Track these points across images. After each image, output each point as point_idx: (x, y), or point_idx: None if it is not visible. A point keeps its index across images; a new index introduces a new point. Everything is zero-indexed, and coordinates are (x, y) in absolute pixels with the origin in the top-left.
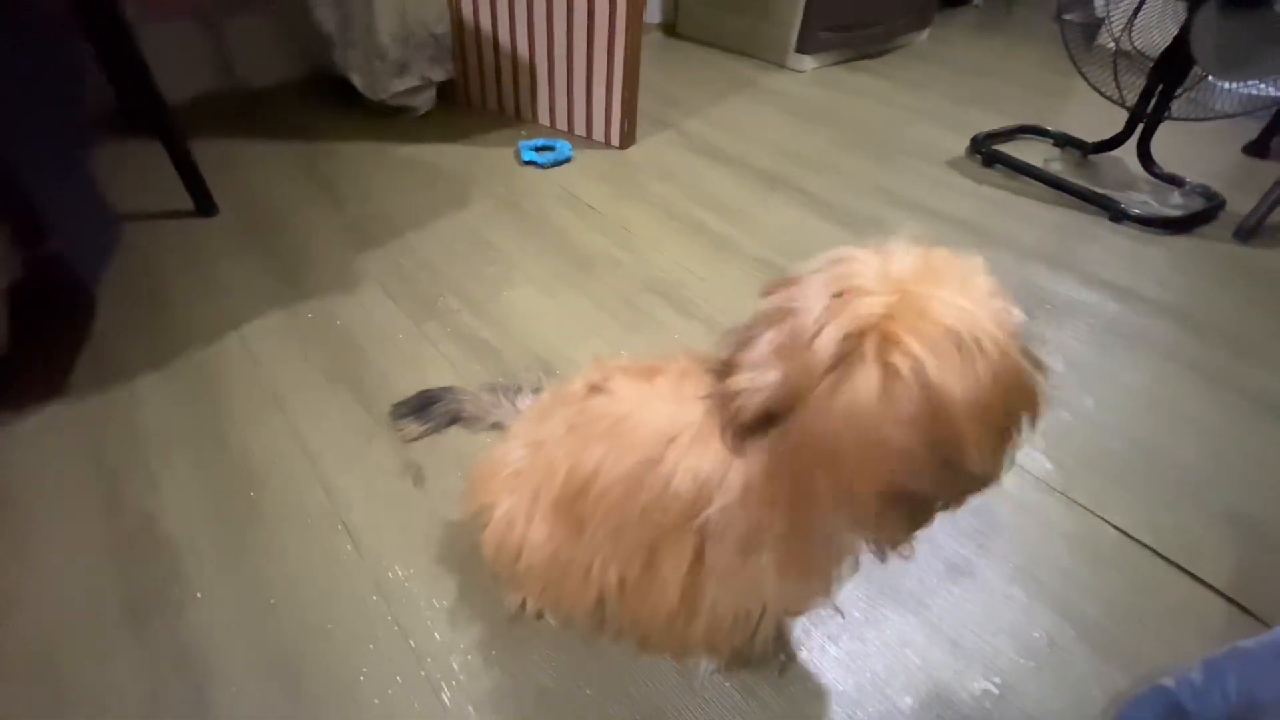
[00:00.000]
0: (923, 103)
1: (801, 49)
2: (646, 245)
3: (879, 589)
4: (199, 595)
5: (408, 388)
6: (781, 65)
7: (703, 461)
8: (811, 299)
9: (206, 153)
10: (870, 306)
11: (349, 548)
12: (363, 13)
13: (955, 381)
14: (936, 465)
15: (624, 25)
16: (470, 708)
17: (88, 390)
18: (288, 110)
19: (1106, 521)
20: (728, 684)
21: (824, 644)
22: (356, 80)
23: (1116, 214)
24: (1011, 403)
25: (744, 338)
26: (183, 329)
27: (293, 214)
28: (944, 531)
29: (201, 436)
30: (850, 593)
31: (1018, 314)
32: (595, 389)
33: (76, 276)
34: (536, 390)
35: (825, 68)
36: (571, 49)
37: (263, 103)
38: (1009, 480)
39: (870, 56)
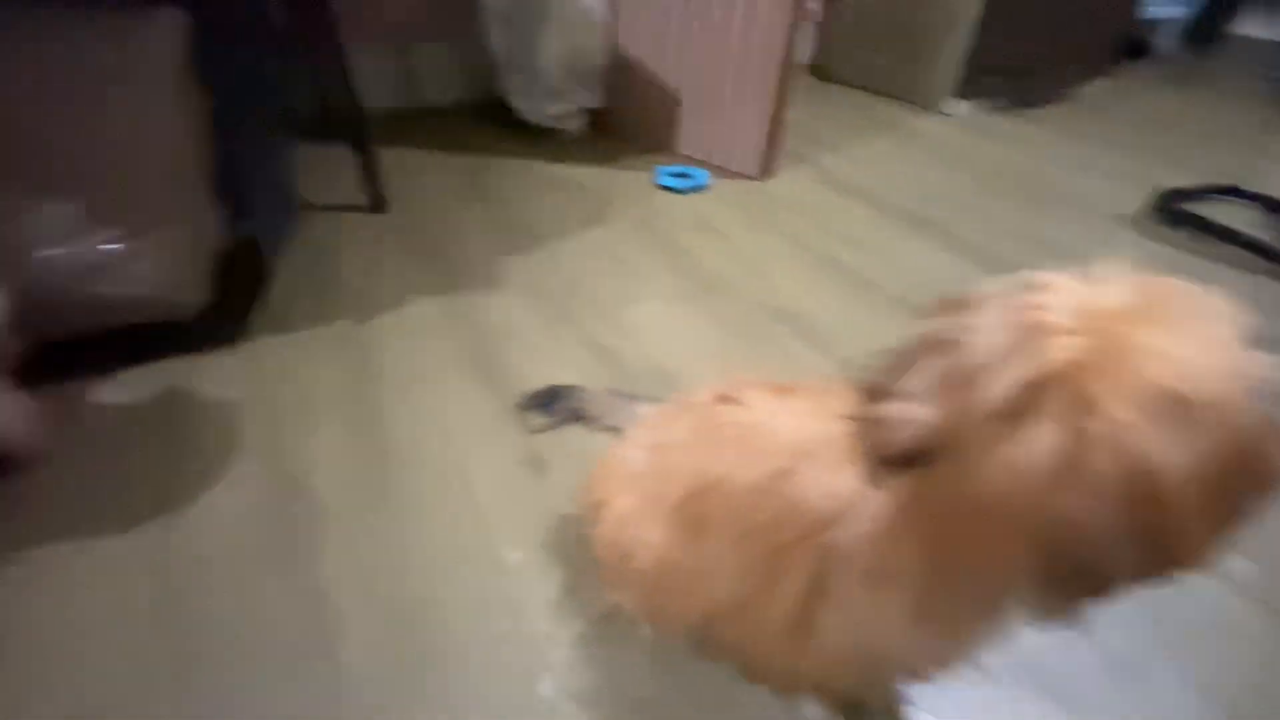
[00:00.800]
0: (1092, 154)
1: (957, 93)
2: (778, 275)
3: (1022, 664)
4: (334, 547)
5: (537, 383)
6: (933, 109)
7: (838, 480)
8: (988, 330)
9: (384, 158)
10: (1061, 350)
11: (472, 526)
12: (530, 42)
13: (1166, 457)
14: (1126, 544)
15: (778, 61)
16: (568, 703)
17: (259, 348)
18: (457, 126)
19: None
20: None
21: (950, 714)
22: (517, 102)
23: None
24: (1241, 482)
25: (902, 362)
26: (346, 305)
27: (452, 216)
28: (1108, 616)
29: (352, 401)
30: (989, 660)
31: (1268, 368)
32: (724, 399)
33: (261, 250)
34: (656, 400)
35: (982, 114)
36: (721, 82)
37: (437, 119)
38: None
39: (1033, 105)
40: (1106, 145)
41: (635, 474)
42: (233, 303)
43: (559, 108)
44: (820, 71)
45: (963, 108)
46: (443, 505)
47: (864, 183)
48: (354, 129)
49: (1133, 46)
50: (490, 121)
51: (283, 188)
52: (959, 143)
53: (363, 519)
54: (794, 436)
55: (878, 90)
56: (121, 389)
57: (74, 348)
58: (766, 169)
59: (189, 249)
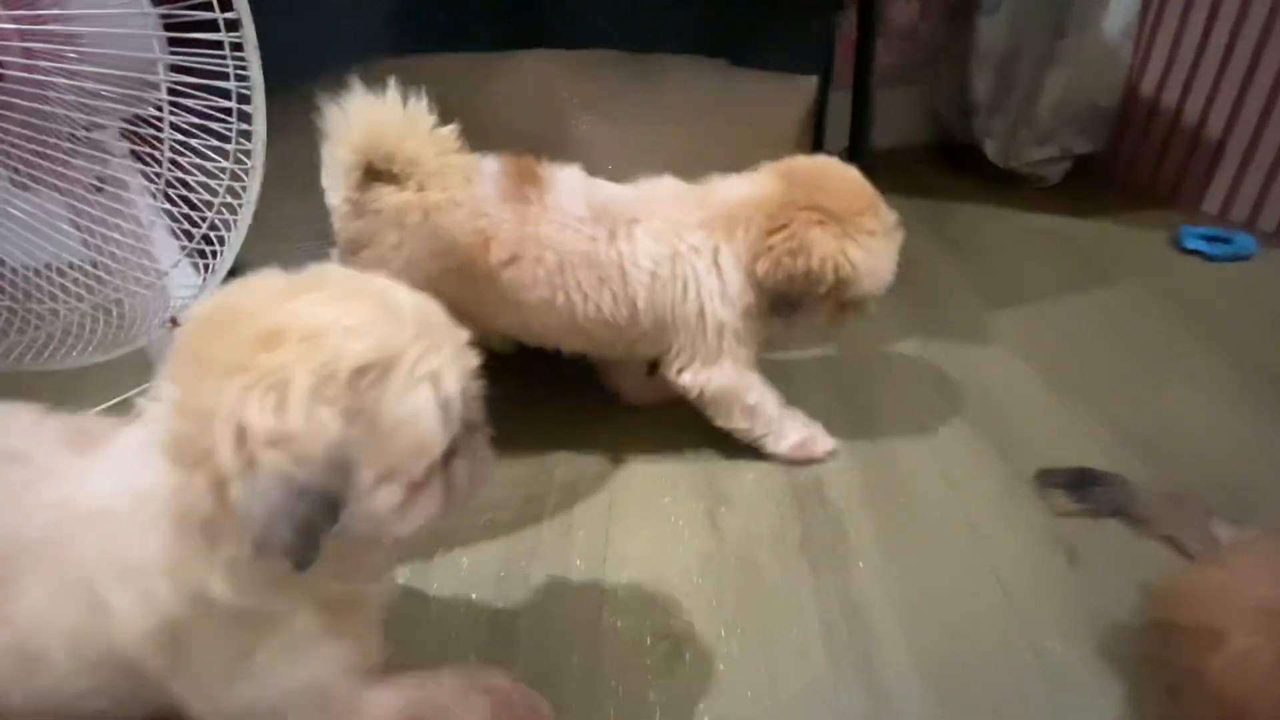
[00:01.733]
0: None
1: None
2: None
3: None
4: (861, 565)
5: (1051, 458)
6: None
7: None
8: None
9: None
10: None
11: (1000, 595)
12: (1027, 83)
13: None
14: None
15: None
16: None
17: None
18: (910, 169)
19: None
20: None
21: None
22: (988, 146)
23: None
24: None
25: None
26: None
27: (920, 261)
28: None
29: (856, 424)
30: None
31: None
32: None
33: None
34: (1236, 522)
35: None
36: (1266, 122)
37: (890, 161)
38: None
39: None
40: None
41: (1267, 610)
42: None
43: (1042, 152)
44: None
45: None
46: (965, 563)
47: None
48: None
49: None
50: (945, 166)
51: None
52: None
53: (882, 544)
54: None
55: None
56: None
57: None
58: None
59: None
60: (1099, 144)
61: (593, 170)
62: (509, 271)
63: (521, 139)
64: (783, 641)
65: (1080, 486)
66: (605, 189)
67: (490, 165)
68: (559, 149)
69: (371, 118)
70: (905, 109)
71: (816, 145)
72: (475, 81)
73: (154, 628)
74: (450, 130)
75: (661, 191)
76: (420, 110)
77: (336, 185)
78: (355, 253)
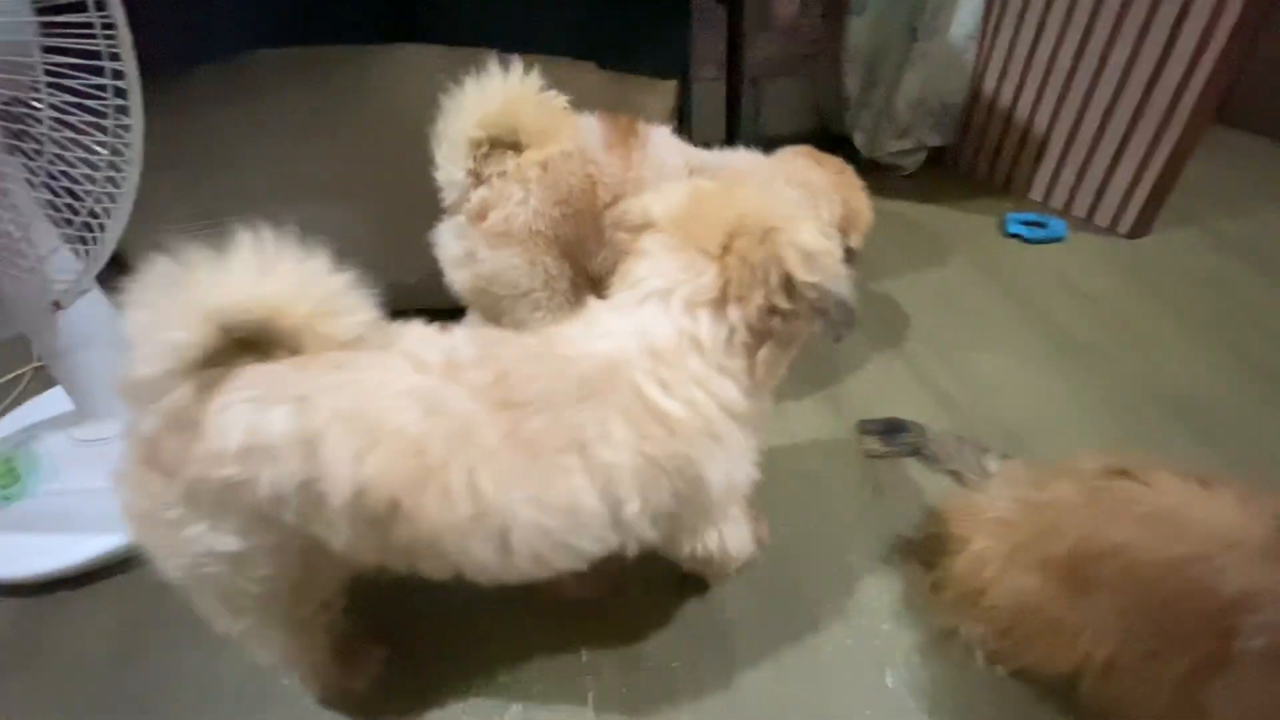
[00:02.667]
0: None
1: None
2: (1161, 350)
3: None
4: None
5: (872, 411)
6: None
7: (1262, 577)
8: None
9: None
10: None
11: (820, 522)
12: (889, 81)
13: None
14: None
15: (1187, 113)
16: (910, 700)
17: None
18: None
19: None
20: None
21: None
22: (857, 138)
23: None
24: None
25: None
26: None
27: None
28: None
29: None
30: None
31: None
32: (1123, 474)
33: None
34: (1005, 456)
35: None
36: (1105, 126)
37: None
38: None
39: None
40: None
41: (1000, 520)
42: None
43: (901, 144)
44: (1227, 116)
45: None
46: (796, 502)
47: None
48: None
49: None
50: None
51: None
52: None
53: None
54: (1219, 528)
55: None
56: None
57: None
58: (1142, 226)
59: None
60: (948, 138)
61: None
62: (612, 212)
63: (403, 130)
64: (637, 578)
65: (890, 433)
66: (694, 150)
67: (590, 121)
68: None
69: (493, 94)
70: (792, 100)
71: None
72: (356, 73)
73: (700, 429)
74: (555, 93)
75: (741, 160)
76: (529, 80)
77: (458, 160)
78: (484, 217)
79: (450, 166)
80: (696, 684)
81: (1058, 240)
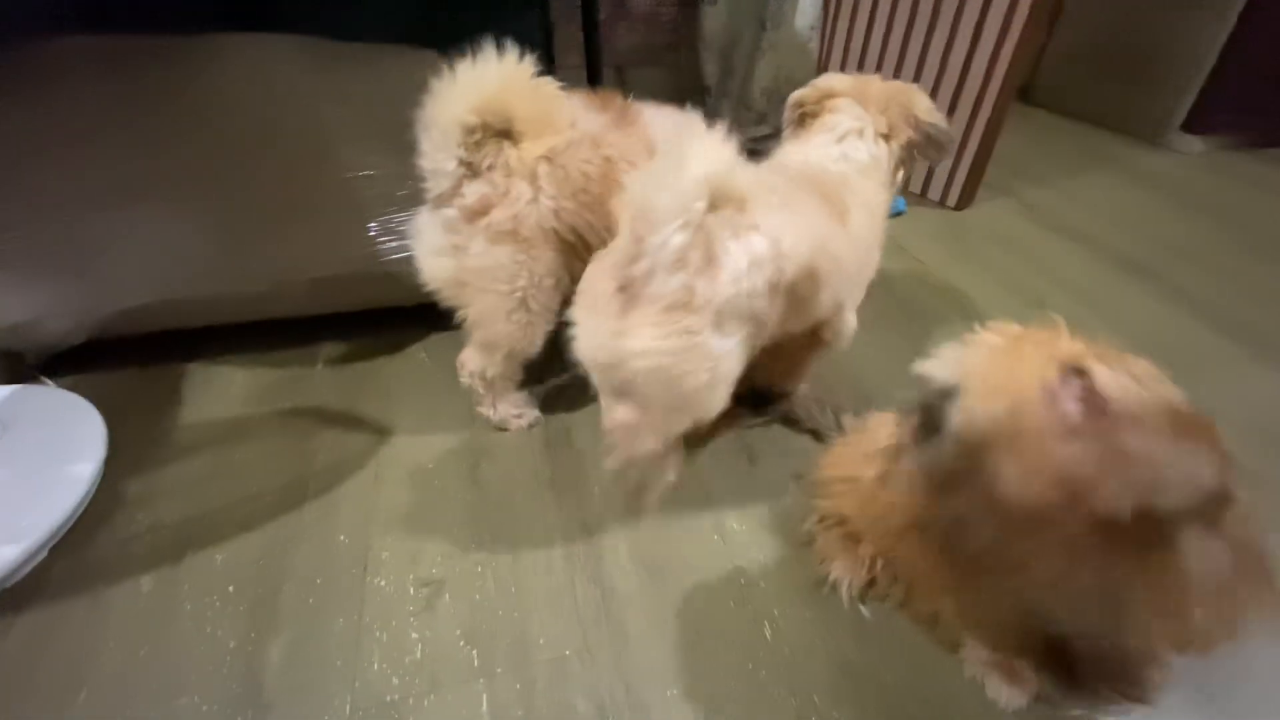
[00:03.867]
0: None
1: (1190, 128)
2: (981, 309)
3: None
4: (595, 490)
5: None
6: (1158, 144)
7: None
8: None
9: None
10: None
11: (701, 495)
12: (743, 69)
13: None
14: None
15: (995, 93)
16: (786, 648)
17: None
18: None
19: None
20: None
21: None
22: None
23: None
24: None
25: None
26: None
27: None
28: None
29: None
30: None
31: None
32: None
33: None
34: (858, 413)
35: (1218, 152)
36: None
37: None
38: None
39: None
40: None
41: (869, 455)
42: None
43: (760, 130)
44: (1025, 94)
45: (1196, 144)
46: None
47: (1076, 221)
48: None
49: None
50: None
51: None
52: (1192, 183)
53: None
54: None
55: (1094, 120)
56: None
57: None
58: (966, 198)
59: None
60: None
61: (298, 158)
62: None
63: (239, 127)
64: (530, 563)
65: (759, 404)
66: (679, 112)
67: (580, 103)
68: (270, 137)
69: (488, 79)
70: (655, 88)
71: None
72: (175, 65)
73: (873, 223)
74: (549, 79)
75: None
76: (524, 64)
77: (449, 148)
78: (484, 213)
79: (439, 155)
80: (591, 668)
81: (899, 215)
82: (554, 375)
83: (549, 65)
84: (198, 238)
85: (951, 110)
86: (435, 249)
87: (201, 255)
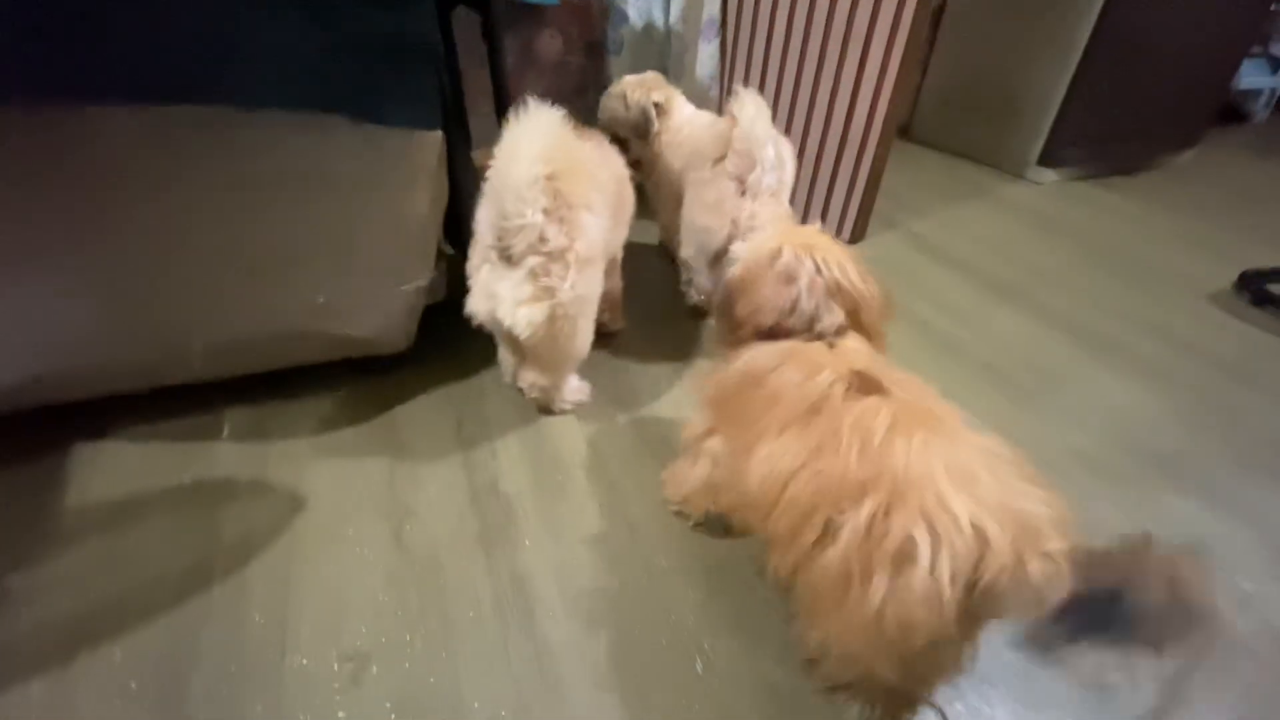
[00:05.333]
0: (1181, 227)
1: (1045, 162)
2: None
3: None
4: (527, 542)
5: (671, 420)
6: (1019, 176)
7: None
8: None
9: None
10: None
11: (629, 534)
12: None
13: None
14: None
15: (877, 135)
16: (716, 680)
17: (456, 382)
18: None
19: None
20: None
21: None
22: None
23: None
24: None
25: None
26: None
27: None
28: None
29: (526, 426)
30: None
31: None
32: None
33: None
34: None
35: (1069, 182)
36: (822, 152)
37: None
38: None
39: (1124, 173)
40: (1196, 217)
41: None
42: (440, 347)
43: None
44: (906, 133)
45: (1050, 175)
46: (605, 516)
47: (950, 247)
48: None
49: (1228, 113)
50: None
51: None
52: (1047, 211)
53: (545, 522)
54: None
55: (964, 154)
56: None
57: (307, 370)
58: (859, 233)
59: (410, 303)
60: None
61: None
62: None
63: (123, 195)
64: (460, 623)
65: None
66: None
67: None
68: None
69: (539, 130)
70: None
71: (455, 191)
72: (49, 135)
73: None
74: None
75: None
76: (553, 110)
77: (531, 202)
78: (569, 248)
79: (524, 210)
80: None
81: None
82: (474, 423)
83: (449, 130)
84: (76, 305)
85: (840, 150)
86: (526, 298)
87: (79, 322)
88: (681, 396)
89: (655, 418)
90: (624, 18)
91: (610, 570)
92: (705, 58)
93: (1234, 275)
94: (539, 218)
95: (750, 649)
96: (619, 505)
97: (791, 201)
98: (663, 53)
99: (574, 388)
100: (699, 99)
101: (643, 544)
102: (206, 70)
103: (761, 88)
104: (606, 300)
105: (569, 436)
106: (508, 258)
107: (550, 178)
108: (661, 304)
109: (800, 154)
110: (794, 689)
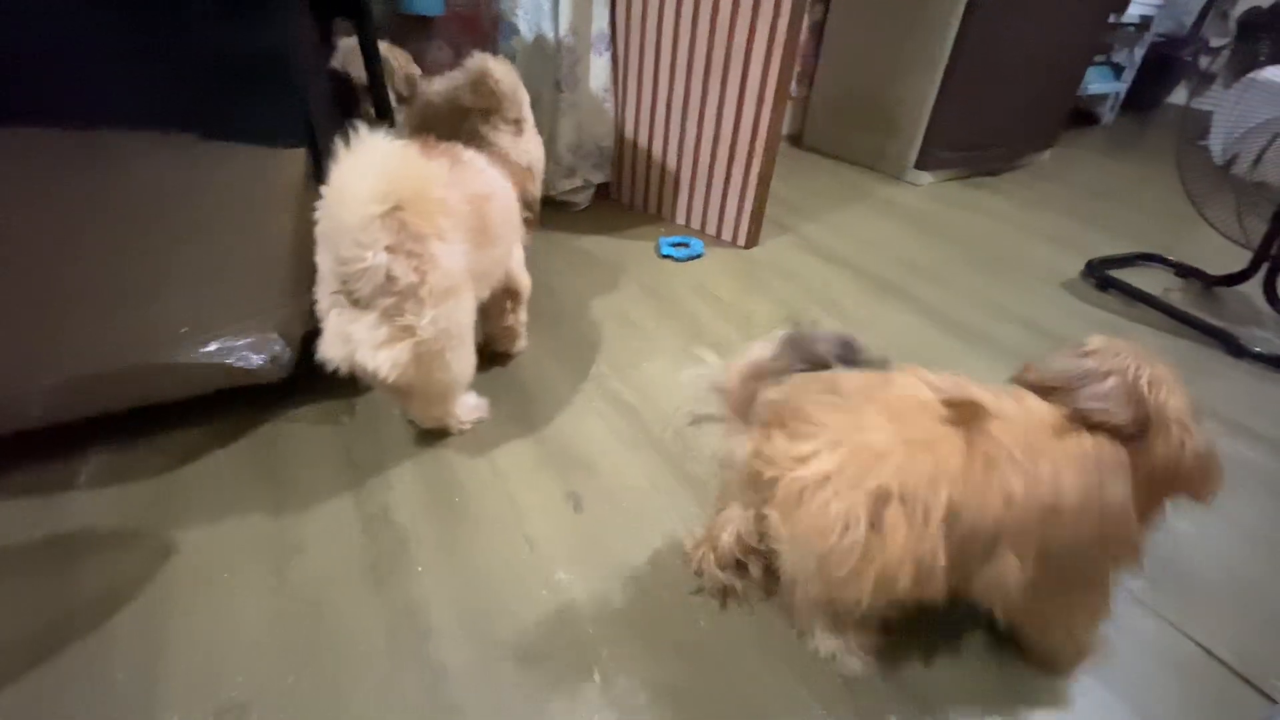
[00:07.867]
0: (1040, 222)
1: (920, 165)
2: (767, 335)
3: None
4: (420, 569)
5: (570, 432)
6: (900, 179)
7: None
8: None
9: None
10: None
11: (528, 551)
12: (548, 127)
13: None
14: None
15: (763, 145)
16: (614, 690)
17: (344, 409)
18: None
19: (1189, 637)
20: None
21: None
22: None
23: (1236, 350)
24: None
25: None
26: None
27: None
28: None
29: (420, 449)
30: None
31: None
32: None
33: None
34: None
35: (943, 183)
36: (714, 161)
37: None
38: None
39: (990, 174)
40: (1052, 211)
41: None
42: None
43: (570, 183)
44: (798, 141)
45: (926, 178)
46: (503, 535)
47: (839, 249)
48: None
49: (1080, 117)
50: None
51: None
52: (923, 211)
53: (440, 547)
54: None
55: (850, 160)
56: (221, 439)
57: (177, 405)
58: (753, 238)
59: (284, 329)
60: (608, 175)
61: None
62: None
63: None
64: (351, 660)
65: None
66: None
67: (415, 153)
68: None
69: (372, 162)
70: None
71: None
72: None
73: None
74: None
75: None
76: (387, 134)
77: (371, 244)
78: (422, 283)
79: (363, 252)
80: None
81: (699, 257)
82: (364, 448)
83: (316, 146)
84: None
85: (730, 161)
86: (382, 341)
87: None
88: (583, 407)
89: (556, 431)
90: (514, 30)
91: (508, 588)
92: (599, 69)
93: (1080, 264)
94: (381, 258)
95: (648, 653)
96: (516, 522)
97: (687, 212)
98: (555, 65)
99: (470, 406)
100: (595, 111)
101: (541, 558)
102: (36, 89)
103: (654, 100)
104: (506, 334)
105: (466, 456)
106: (355, 301)
107: (394, 209)
108: (562, 312)
109: (694, 164)
110: (693, 689)
